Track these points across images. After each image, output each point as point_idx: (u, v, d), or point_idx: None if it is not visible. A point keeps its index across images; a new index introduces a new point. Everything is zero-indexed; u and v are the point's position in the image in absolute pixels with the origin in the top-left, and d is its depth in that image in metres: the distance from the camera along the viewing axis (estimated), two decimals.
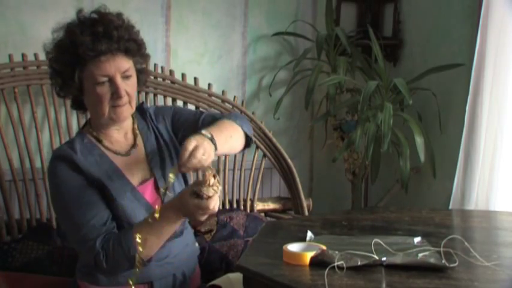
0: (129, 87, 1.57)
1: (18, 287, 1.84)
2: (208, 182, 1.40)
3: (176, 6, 2.55)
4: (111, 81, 1.54)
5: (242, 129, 1.65)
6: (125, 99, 1.56)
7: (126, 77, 1.56)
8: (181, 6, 2.56)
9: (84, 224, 1.52)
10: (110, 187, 1.57)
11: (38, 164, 2.17)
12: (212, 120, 1.67)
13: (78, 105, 1.67)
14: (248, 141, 1.69)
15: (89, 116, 1.69)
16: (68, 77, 1.55)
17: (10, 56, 2.15)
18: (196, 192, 1.41)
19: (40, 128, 2.20)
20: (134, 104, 1.61)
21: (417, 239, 1.57)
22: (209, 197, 1.41)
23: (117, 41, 1.53)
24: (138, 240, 1.48)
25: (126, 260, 1.51)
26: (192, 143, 1.41)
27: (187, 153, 1.39)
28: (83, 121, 2.20)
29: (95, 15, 1.56)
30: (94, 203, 1.54)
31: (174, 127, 1.74)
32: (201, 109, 2.44)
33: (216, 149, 1.46)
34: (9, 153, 2.11)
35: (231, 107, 2.51)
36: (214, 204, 1.42)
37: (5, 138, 2.11)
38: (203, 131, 1.47)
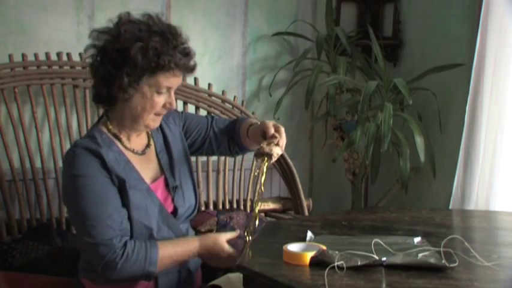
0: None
1: (18, 287, 1.84)
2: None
3: (176, 6, 2.55)
4: (168, 92, 1.60)
5: None
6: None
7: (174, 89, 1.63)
8: (182, 6, 2.56)
9: (100, 221, 1.50)
10: (128, 186, 1.57)
11: (38, 164, 2.17)
12: (225, 122, 1.83)
13: (103, 100, 1.63)
14: None
15: (91, 114, 1.70)
16: (135, 80, 1.54)
17: (10, 56, 2.14)
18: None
19: (40, 128, 2.20)
20: None
21: (417, 239, 1.57)
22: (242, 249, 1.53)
23: (191, 58, 1.60)
24: (160, 260, 1.55)
25: (141, 272, 1.53)
26: (281, 127, 1.60)
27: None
28: (83, 121, 2.20)
29: (162, 23, 1.58)
30: (112, 201, 1.54)
31: (186, 130, 1.80)
32: (200, 108, 2.45)
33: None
34: (9, 153, 2.11)
35: (231, 107, 2.51)
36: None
37: (5, 138, 2.11)
38: (254, 121, 1.71)
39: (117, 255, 1.50)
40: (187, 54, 1.59)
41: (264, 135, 1.60)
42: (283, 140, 1.57)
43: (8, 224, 2.09)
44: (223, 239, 1.62)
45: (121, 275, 1.52)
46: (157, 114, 1.62)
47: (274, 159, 1.55)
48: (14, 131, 2.13)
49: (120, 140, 1.64)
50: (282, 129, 1.60)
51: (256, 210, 1.60)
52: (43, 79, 2.18)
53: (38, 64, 2.18)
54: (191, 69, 1.62)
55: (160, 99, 1.59)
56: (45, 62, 2.19)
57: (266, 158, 1.53)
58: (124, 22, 1.57)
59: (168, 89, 1.59)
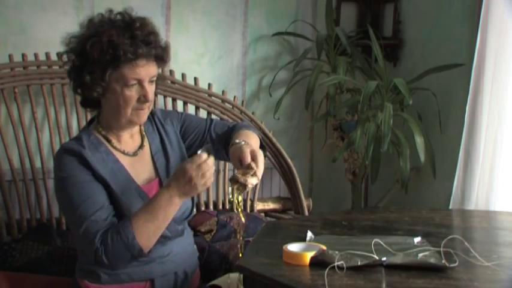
0: (151, 91, 1.60)
1: (18, 287, 1.84)
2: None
3: (176, 6, 2.55)
4: (140, 84, 1.56)
5: (260, 139, 1.74)
6: (149, 103, 1.59)
7: (151, 81, 1.59)
8: (182, 5, 2.56)
9: (87, 218, 1.52)
10: (115, 185, 1.58)
11: (38, 164, 2.17)
12: (223, 127, 1.76)
13: (90, 103, 1.66)
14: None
15: (93, 114, 1.69)
16: (98, 77, 1.55)
17: (10, 56, 2.14)
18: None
19: (40, 128, 2.20)
20: (151, 107, 1.65)
21: (417, 239, 1.57)
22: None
23: (154, 47, 1.56)
24: (136, 227, 1.49)
25: (127, 251, 1.51)
26: (260, 155, 1.51)
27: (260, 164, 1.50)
28: (82, 121, 2.20)
29: (121, 16, 1.57)
30: (98, 198, 1.55)
31: (183, 132, 1.77)
32: (200, 108, 2.45)
33: None
34: (9, 153, 2.11)
35: (231, 107, 2.51)
36: (212, 163, 1.46)
37: (5, 138, 2.11)
38: (238, 140, 1.57)
39: (99, 250, 1.51)
40: (149, 42, 1.55)
41: (241, 162, 1.52)
42: (260, 170, 1.50)
43: (8, 224, 2.09)
44: (183, 162, 1.53)
45: (114, 263, 1.53)
46: (137, 109, 1.58)
47: (248, 189, 1.51)
48: (14, 131, 2.13)
49: (109, 141, 1.64)
50: (260, 158, 1.52)
51: (241, 239, 1.60)
52: (43, 79, 2.18)
53: (38, 64, 2.18)
54: (159, 58, 1.59)
55: (131, 93, 1.56)
56: (45, 62, 2.19)
57: (240, 188, 1.50)
58: (91, 23, 1.58)
59: (139, 81, 1.56)
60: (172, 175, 1.54)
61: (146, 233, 1.51)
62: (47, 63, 2.18)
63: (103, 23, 1.56)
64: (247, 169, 1.49)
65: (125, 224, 1.51)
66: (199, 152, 1.53)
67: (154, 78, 1.60)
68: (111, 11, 1.59)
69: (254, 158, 1.50)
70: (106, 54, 1.52)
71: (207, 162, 1.48)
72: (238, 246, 1.56)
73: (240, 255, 1.52)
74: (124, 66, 1.53)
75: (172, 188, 1.50)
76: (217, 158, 1.79)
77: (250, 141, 1.60)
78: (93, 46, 1.53)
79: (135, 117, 1.60)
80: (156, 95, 2.34)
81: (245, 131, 1.71)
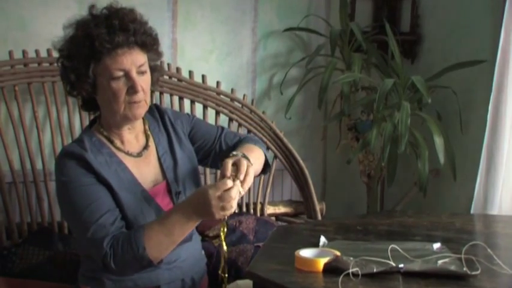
0: (144, 83, 1.58)
1: None
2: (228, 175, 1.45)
3: (183, 1, 2.55)
4: (127, 76, 1.55)
5: (265, 156, 1.74)
6: (141, 94, 1.57)
7: (141, 72, 1.58)
8: (189, 1, 2.57)
9: (93, 222, 1.52)
10: (119, 189, 1.58)
11: (39, 165, 2.18)
12: (233, 138, 1.77)
13: (89, 105, 1.67)
14: (265, 169, 1.77)
15: (96, 114, 1.69)
16: (82, 73, 1.55)
17: (10, 53, 2.16)
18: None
19: (41, 127, 2.21)
20: (149, 102, 1.63)
21: (436, 245, 1.56)
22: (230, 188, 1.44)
23: (133, 33, 1.55)
24: (148, 238, 1.49)
25: (136, 261, 1.51)
26: (244, 163, 1.49)
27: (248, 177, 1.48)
28: (85, 120, 2.21)
29: (107, 11, 1.57)
30: (103, 202, 1.55)
31: (192, 137, 1.77)
32: (208, 107, 2.45)
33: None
34: (9, 154, 2.12)
35: (240, 106, 2.51)
36: (236, 193, 1.45)
37: (5, 138, 2.12)
38: (236, 152, 1.56)
39: (108, 254, 1.51)
40: (127, 30, 1.54)
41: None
42: (247, 179, 1.47)
43: (7, 228, 2.10)
44: (205, 188, 1.51)
45: (123, 270, 1.54)
46: (129, 103, 1.57)
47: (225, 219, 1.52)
48: (14, 131, 2.14)
49: (112, 142, 1.64)
50: (243, 166, 1.47)
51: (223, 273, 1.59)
52: (44, 77, 2.19)
53: (39, 61, 2.19)
54: (140, 43, 1.56)
55: (119, 86, 1.55)
56: (46, 59, 2.20)
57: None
58: (73, 22, 1.58)
59: (125, 72, 1.54)
60: (193, 195, 1.52)
61: (158, 246, 1.52)
62: (49, 60, 2.19)
63: (86, 19, 1.57)
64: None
65: (137, 234, 1.51)
66: (226, 176, 1.48)
67: (144, 68, 1.58)
68: (93, 6, 1.59)
69: (238, 167, 1.48)
70: (84, 47, 1.52)
71: (230, 192, 1.45)
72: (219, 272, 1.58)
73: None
74: (105, 58, 1.53)
75: (191, 209, 1.50)
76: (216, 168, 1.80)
77: (250, 154, 1.58)
78: (72, 42, 1.55)
79: (129, 112, 1.58)
80: (162, 93, 2.38)
81: (250, 145, 1.71)
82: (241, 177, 1.47)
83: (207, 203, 1.45)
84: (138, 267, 1.53)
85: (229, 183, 1.44)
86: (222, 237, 1.55)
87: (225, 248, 1.56)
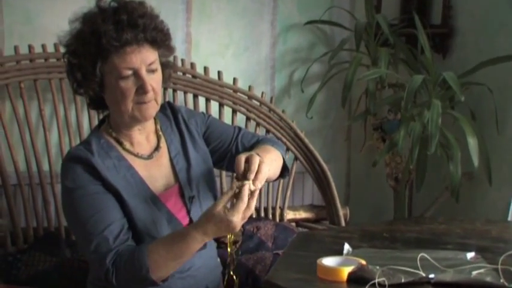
0: (154, 81, 1.58)
1: None
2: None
3: None
4: (136, 74, 1.55)
5: (283, 159, 1.73)
6: (151, 94, 1.57)
7: (151, 70, 1.57)
8: None
9: (96, 234, 1.53)
10: (127, 195, 1.58)
11: (45, 166, 2.20)
12: (251, 139, 1.77)
13: (97, 104, 1.67)
14: (283, 173, 1.75)
15: (105, 114, 1.70)
16: (89, 72, 1.55)
17: (16, 48, 2.18)
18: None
19: (48, 127, 2.23)
20: (160, 101, 1.63)
21: (470, 255, 1.55)
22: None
23: (142, 30, 1.54)
24: (153, 261, 1.50)
25: (138, 281, 1.52)
26: (256, 158, 1.47)
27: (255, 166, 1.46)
28: (94, 119, 2.22)
29: (115, 4, 1.58)
30: (109, 211, 1.55)
31: (207, 138, 1.77)
32: (225, 106, 2.45)
33: None
34: (14, 154, 2.14)
35: (258, 104, 2.51)
36: (252, 205, 1.46)
37: (10, 138, 2.14)
38: (253, 152, 1.54)
39: (110, 271, 1.51)
40: (136, 26, 1.53)
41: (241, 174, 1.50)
42: (259, 177, 1.46)
43: (12, 233, 2.12)
44: (216, 203, 1.51)
45: (124, 286, 1.54)
46: (138, 103, 1.57)
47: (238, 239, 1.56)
48: (19, 130, 2.17)
49: (121, 144, 1.64)
50: (255, 160, 1.46)
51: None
52: (51, 73, 2.21)
53: (45, 56, 2.21)
54: (150, 40, 1.56)
55: (127, 85, 1.54)
56: (53, 54, 2.22)
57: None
58: (79, 16, 1.59)
59: (134, 71, 1.54)
60: (212, 219, 1.48)
61: (164, 268, 1.52)
62: (56, 55, 2.20)
63: (93, 13, 1.57)
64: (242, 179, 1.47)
65: (141, 254, 1.51)
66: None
67: (155, 66, 1.58)
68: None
69: (249, 164, 1.47)
70: (90, 44, 1.53)
71: (250, 208, 1.47)
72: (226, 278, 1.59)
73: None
74: (113, 56, 1.53)
75: (208, 232, 1.50)
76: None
77: (265, 155, 1.57)
78: (78, 39, 1.55)
79: (137, 113, 1.58)
80: (175, 90, 2.39)
81: (267, 146, 1.70)
82: (252, 176, 1.45)
83: (231, 227, 1.46)
84: (141, 286, 1.54)
85: (245, 200, 1.45)
86: (229, 240, 1.57)
87: (229, 250, 1.57)
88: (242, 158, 1.48)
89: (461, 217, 2.32)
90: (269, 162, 1.55)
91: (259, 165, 1.47)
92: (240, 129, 1.81)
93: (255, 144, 1.76)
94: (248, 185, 1.44)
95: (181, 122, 1.74)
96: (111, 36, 1.50)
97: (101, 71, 1.55)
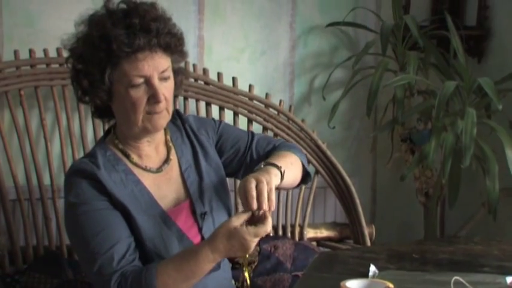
0: (167, 90, 1.59)
1: None
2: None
3: None
4: (148, 83, 1.55)
5: (302, 164, 1.73)
6: (163, 104, 1.58)
7: (164, 78, 1.58)
8: None
9: (101, 254, 1.53)
10: (135, 212, 1.58)
11: (46, 180, 2.21)
12: (267, 146, 1.77)
13: (103, 113, 1.68)
14: (304, 178, 1.76)
15: (111, 123, 1.71)
16: (96, 79, 1.56)
17: (16, 53, 2.20)
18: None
19: (49, 137, 2.25)
20: (171, 111, 1.63)
21: (510, 279, 1.54)
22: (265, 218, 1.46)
23: (156, 35, 1.55)
24: (162, 283, 1.50)
25: None
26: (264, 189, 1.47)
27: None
28: (99, 129, 2.24)
29: (125, 6, 1.58)
30: (115, 229, 1.56)
31: (219, 148, 1.77)
32: (240, 115, 2.45)
33: (281, 179, 1.57)
34: (13, 167, 2.16)
35: (276, 113, 2.51)
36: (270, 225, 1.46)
37: (9, 149, 2.16)
38: (257, 167, 1.58)
39: None
40: (149, 31, 1.53)
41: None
42: (271, 205, 1.47)
43: (11, 252, 2.13)
44: (231, 218, 1.51)
45: None
46: (149, 113, 1.57)
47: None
48: (19, 141, 2.18)
49: (128, 156, 1.65)
50: (264, 191, 1.46)
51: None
52: (53, 79, 2.23)
53: (47, 62, 2.23)
54: (164, 46, 1.56)
55: (138, 94, 1.55)
56: (56, 60, 2.24)
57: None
58: (86, 19, 1.59)
59: (146, 79, 1.55)
60: (225, 235, 1.49)
61: (172, 283, 1.52)
62: (58, 60, 2.22)
63: (101, 16, 1.57)
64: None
65: (149, 275, 1.51)
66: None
67: (168, 74, 1.59)
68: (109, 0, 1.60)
69: (259, 195, 1.47)
70: (99, 50, 1.53)
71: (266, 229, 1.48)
72: None
73: None
74: (123, 62, 1.53)
75: (220, 249, 1.50)
76: None
77: (280, 161, 1.59)
78: (85, 43, 1.56)
79: (148, 124, 1.59)
80: (186, 98, 2.40)
81: (284, 152, 1.70)
82: (263, 209, 1.46)
83: (246, 247, 1.47)
84: None
85: (268, 229, 1.46)
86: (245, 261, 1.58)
87: (246, 274, 1.58)
88: (253, 190, 1.46)
89: (499, 237, 2.30)
90: (285, 169, 1.58)
91: (268, 194, 1.47)
92: (253, 134, 1.81)
93: (270, 151, 1.75)
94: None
95: (190, 132, 1.75)
96: (123, 41, 1.51)
97: (109, 78, 1.56)
